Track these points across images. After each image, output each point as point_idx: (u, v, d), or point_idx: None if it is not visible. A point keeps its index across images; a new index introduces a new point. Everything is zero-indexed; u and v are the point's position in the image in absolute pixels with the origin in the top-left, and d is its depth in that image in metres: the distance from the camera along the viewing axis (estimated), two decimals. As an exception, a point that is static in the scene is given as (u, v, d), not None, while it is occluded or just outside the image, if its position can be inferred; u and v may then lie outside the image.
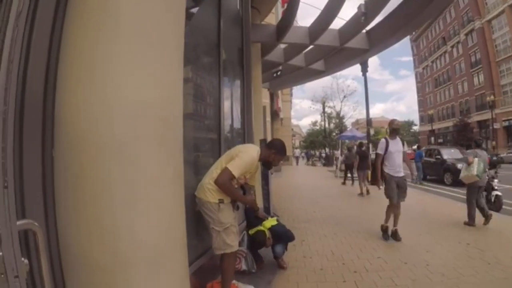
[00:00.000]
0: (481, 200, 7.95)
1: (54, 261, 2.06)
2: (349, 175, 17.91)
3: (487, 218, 7.64)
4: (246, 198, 4.39)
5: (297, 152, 50.94)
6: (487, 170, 9.05)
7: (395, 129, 7.18)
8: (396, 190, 6.76)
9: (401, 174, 6.88)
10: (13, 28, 1.18)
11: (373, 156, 21.68)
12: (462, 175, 8.15)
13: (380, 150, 6.97)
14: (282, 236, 5.14)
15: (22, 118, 1.89)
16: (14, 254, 1.13)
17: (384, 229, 6.98)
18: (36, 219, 1.47)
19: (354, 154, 15.96)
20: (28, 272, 1.26)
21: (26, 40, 1.90)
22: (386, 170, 6.89)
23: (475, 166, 7.62)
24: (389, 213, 6.95)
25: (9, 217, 1.11)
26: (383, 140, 7.09)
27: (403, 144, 7.10)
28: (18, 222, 1.22)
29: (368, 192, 13.86)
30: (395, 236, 6.71)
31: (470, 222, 7.73)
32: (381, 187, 7.09)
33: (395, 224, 6.82)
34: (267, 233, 4.92)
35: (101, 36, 2.05)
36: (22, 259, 1.19)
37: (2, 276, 1.12)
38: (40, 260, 1.37)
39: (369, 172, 15.30)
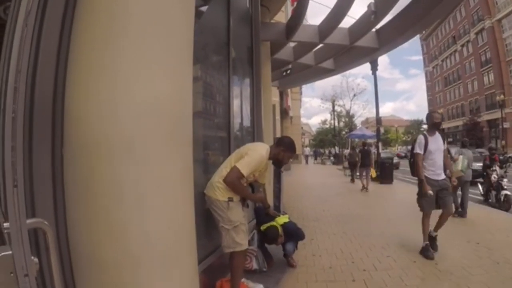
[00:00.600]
0: (466, 194, 8.93)
1: (64, 260, 2.07)
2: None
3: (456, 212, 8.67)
4: (255, 196, 4.40)
5: (307, 150, 49.56)
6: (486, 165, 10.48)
7: (436, 123, 5.94)
8: (432, 199, 5.67)
9: (442, 176, 5.79)
10: (22, 27, 1.18)
11: (384, 154, 21.73)
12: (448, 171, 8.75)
13: (419, 149, 5.75)
14: (293, 234, 5.13)
15: (32, 117, 1.90)
16: (24, 252, 1.13)
17: (426, 248, 5.69)
18: (46, 218, 1.47)
19: (357, 153, 17.01)
20: (38, 271, 1.26)
21: (35, 39, 1.90)
22: (425, 173, 5.73)
23: (459, 162, 8.63)
24: (426, 226, 5.84)
25: (18, 216, 1.11)
26: (421, 137, 5.89)
27: (443, 141, 5.99)
28: (28, 221, 1.22)
29: (366, 189, 14.75)
30: (433, 242, 5.67)
31: (461, 213, 8.67)
32: (430, 192, 5.59)
33: (436, 228, 5.74)
34: (280, 229, 4.91)
35: (110, 35, 2.05)
36: (32, 257, 1.19)
37: (12, 275, 1.12)
38: (50, 259, 1.38)
39: (372, 169, 16.81)
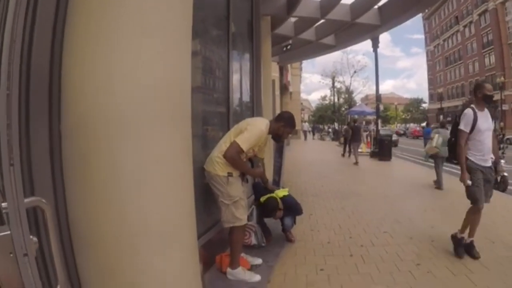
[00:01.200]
0: (441, 169, 9.97)
1: (64, 238, 2.07)
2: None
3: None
4: (254, 171, 4.42)
5: (306, 126, 46.63)
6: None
7: (487, 96, 4.70)
8: (483, 188, 4.60)
9: (489, 163, 4.68)
10: (16, 1, 1.14)
11: (383, 132, 21.83)
12: (426, 147, 10.54)
13: (465, 126, 4.60)
14: (292, 208, 5.15)
15: (28, 93, 1.86)
16: (23, 232, 1.12)
17: (458, 241, 4.82)
18: (45, 196, 1.46)
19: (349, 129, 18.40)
20: (37, 250, 1.26)
21: (30, 14, 1.85)
22: (470, 156, 4.64)
23: (435, 140, 9.60)
24: (470, 219, 4.78)
25: (16, 195, 1.10)
26: (469, 111, 4.64)
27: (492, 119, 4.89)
28: (26, 200, 1.21)
29: (357, 163, 16.06)
30: (471, 249, 4.63)
31: (438, 186, 9.85)
32: (469, 182, 4.57)
33: (471, 234, 4.70)
34: (279, 201, 4.92)
35: (108, 11, 2.00)
36: (31, 237, 1.18)
37: (11, 255, 1.12)
38: (49, 238, 1.37)
39: (362, 144, 19.38)
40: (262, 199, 4.97)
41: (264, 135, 4.07)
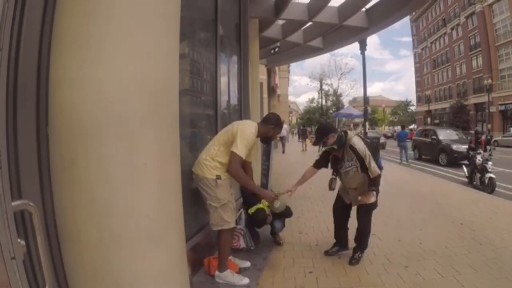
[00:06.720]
0: None
1: (52, 241, 2.06)
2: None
3: None
4: (263, 191, 4.36)
5: (284, 129, 31.98)
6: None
7: None
8: None
9: None
10: (3, 2, 1.13)
11: (371, 134, 22.05)
12: None
13: None
14: (282, 212, 5.14)
15: (15, 96, 1.85)
16: (10, 235, 1.11)
17: None
18: (32, 199, 1.45)
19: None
20: (25, 253, 1.25)
21: (18, 16, 1.84)
22: None
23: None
24: None
25: (3, 198, 1.09)
26: None
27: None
28: (13, 203, 1.20)
29: (306, 150, 25.34)
30: None
31: None
32: None
33: None
34: (267, 210, 4.91)
35: (96, 11, 2.00)
36: (19, 240, 1.17)
37: (-1, 258, 1.11)
38: (37, 240, 1.36)
39: (307, 140, 28.11)
40: (250, 211, 4.94)
41: (255, 138, 4.05)
